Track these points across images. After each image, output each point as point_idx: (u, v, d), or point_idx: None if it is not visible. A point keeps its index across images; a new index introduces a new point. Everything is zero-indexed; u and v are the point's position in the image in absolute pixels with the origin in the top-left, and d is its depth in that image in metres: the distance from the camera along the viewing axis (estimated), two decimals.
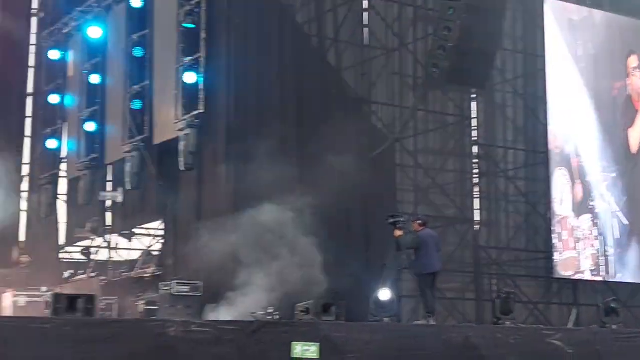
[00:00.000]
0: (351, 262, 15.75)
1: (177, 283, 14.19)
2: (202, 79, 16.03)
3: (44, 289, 15.31)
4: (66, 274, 19.11)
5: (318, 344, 10.14)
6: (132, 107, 17.81)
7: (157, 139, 17.43)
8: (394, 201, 19.11)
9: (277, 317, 12.67)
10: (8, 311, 14.89)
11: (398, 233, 12.53)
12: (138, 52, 17.85)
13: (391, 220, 12.58)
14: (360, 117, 18.68)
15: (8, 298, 15.44)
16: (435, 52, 17.52)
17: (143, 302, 14.66)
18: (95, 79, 19.47)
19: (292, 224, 13.85)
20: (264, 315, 12.45)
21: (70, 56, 20.85)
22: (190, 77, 16.13)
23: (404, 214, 14.18)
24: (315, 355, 10.11)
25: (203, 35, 16.11)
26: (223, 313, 13.27)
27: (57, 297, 11.27)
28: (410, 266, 13.86)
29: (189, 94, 16.18)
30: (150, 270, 17.06)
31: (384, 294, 12.75)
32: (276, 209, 13.75)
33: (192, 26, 16.24)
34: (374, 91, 20.20)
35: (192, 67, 16.16)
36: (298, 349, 10.09)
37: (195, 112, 15.96)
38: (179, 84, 16.34)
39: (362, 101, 19.24)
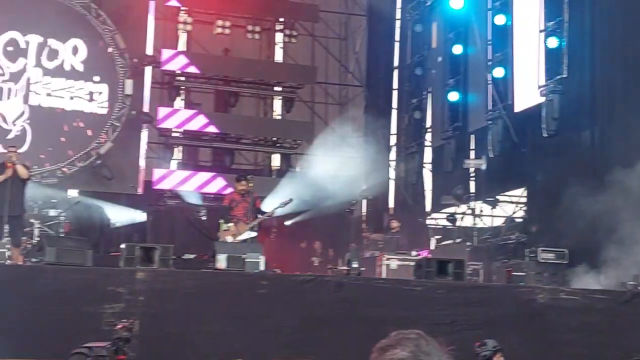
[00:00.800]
0: None
1: (543, 250, 14.13)
2: (565, 43, 15.73)
3: (413, 253, 16.00)
4: (433, 239, 19.81)
5: None
6: (494, 75, 17.98)
7: (519, 106, 17.43)
8: None
9: None
10: (381, 274, 15.79)
11: None
12: (499, 19, 17.95)
13: None
14: None
15: (381, 261, 16.35)
16: None
17: (510, 268, 14.79)
18: (457, 49, 19.88)
19: None
20: (635, 285, 12.02)
21: (433, 28, 21.46)
22: (552, 42, 15.90)
23: None
24: None
25: None
26: (590, 281, 13.02)
27: (428, 261, 11.86)
28: None
29: (552, 59, 15.95)
30: (514, 237, 17.15)
31: None
32: None
33: None
34: None
35: (554, 31, 15.90)
36: None
37: (558, 77, 15.72)
38: (540, 49, 16.17)
39: None
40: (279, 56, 23.31)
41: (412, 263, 14.05)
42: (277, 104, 23.09)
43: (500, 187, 18.90)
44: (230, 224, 13.88)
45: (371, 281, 12.52)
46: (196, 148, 22.17)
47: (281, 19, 22.99)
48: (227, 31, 21.91)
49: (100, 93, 19.60)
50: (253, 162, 23.28)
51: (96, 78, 19.61)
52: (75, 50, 19.47)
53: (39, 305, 10.61)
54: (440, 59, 20.81)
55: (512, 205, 18.87)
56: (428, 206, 21.51)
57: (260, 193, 15.09)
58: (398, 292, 11.64)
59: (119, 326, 8.44)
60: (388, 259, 15.45)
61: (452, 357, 2.51)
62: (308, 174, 21.75)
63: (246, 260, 11.95)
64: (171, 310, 11.04)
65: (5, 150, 13.75)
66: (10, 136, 18.61)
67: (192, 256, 16.55)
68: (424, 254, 16.08)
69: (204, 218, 19.33)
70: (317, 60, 23.71)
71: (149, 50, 20.42)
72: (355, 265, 12.29)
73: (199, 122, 21.03)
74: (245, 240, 13.62)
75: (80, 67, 19.52)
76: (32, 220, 14.35)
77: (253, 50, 23.14)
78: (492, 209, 19.10)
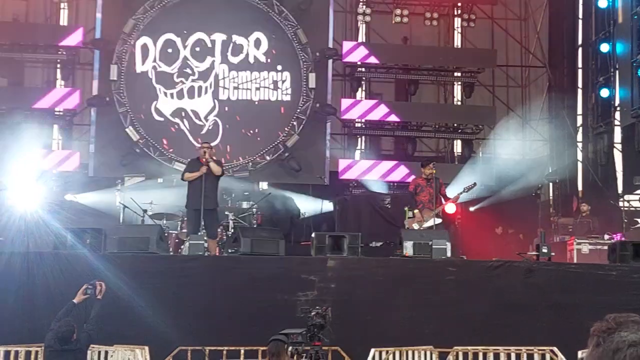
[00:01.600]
0: None
1: None
2: None
3: (606, 236, 15.48)
4: (627, 222, 19.07)
5: None
6: None
7: None
8: None
9: None
10: (572, 259, 15.39)
11: None
12: None
13: None
14: None
15: (571, 245, 15.93)
16: None
17: None
18: None
19: None
20: None
21: (619, 2, 20.57)
22: None
23: None
24: None
25: None
26: None
27: (622, 244, 11.45)
28: None
29: None
30: None
31: None
32: None
33: None
34: None
35: None
36: None
37: None
38: None
39: None
40: (457, 41, 23.13)
41: (605, 247, 13.64)
42: (457, 90, 22.93)
43: None
44: (416, 211, 13.96)
45: (563, 266, 12.26)
46: (378, 137, 22.38)
47: (459, 4, 22.79)
48: (405, 19, 21.98)
49: (283, 81, 20.23)
50: (435, 149, 23.23)
51: (279, 67, 20.25)
52: (257, 43, 20.18)
53: (235, 294, 11.11)
54: (627, 34, 19.91)
55: None
56: (619, 188, 20.68)
57: (443, 180, 15.05)
58: (591, 277, 11.35)
59: (313, 313, 8.69)
60: (579, 243, 15.05)
61: None
62: (491, 159, 21.49)
63: (433, 246, 12.00)
64: (361, 297, 11.28)
65: (199, 146, 14.42)
66: (204, 132, 19.55)
67: (379, 244, 16.77)
68: (618, 237, 15.52)
69: (388, 206, 19.51)
70: (496, 43, 23.31)
71: (330, 43, 20.80)
72: (544, 250, 12.04)
73: (380, 112, 21.22)
74: (431, 227, 13.67)
75: (262, 59, 20.21)
76: (226, 213, 14.99)
77: (431, 37, 23.07)
78: None
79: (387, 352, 10.22)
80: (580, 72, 22.45)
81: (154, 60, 19.84)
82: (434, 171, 14.20)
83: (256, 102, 20.15)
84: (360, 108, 21.32)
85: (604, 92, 20.80)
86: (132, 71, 19.73)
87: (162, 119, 19.70)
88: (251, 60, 20.17)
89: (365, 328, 10.96)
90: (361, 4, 22.03)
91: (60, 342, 8.41)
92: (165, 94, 19.78)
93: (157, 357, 10.16)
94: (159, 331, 10.38)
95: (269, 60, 20.22)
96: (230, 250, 13.19)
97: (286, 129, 19.98)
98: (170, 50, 19.90)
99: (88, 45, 20.33)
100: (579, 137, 22.16)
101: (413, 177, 14.65)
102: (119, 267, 10.76)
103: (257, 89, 20.13)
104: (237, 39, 20.13)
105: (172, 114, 19.74)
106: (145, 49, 19.83)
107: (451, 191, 15.06)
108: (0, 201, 14.46)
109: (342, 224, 17.23)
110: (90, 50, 20.61)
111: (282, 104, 20.21)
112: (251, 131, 19.95)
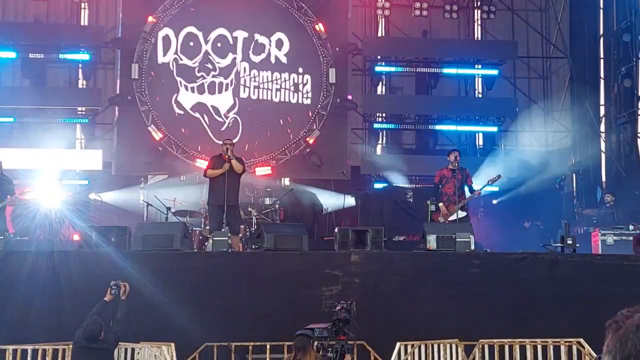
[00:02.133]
0: None
1: None
2: None
3: (631, 227, 15.37)
4: None
5: None
6: None
7: None
8: None
9: None
10: (597, 250, 15.29)
11: None
12: None
13: None
14: None
15: (596, 236, 15.82)
16: None
17: None
18: None
19: None
20: None
21: None
22: None
23: None
24: None
25: None
26: None
27: None
28: None
29: None
30: None
31: None
32: None
33: None
34: None
35: None
36: None
37: None
38: None
39: None
40: (477, 33, 23.02)
41: (630, 238, 13.56)
42: (478, 82, 22.82)
43: None
44: (440, 204, 13.90)
45: (587, 258, 12.20)
46: (399, 131, 22.35)
47: None
48: (424, 13, 21.91)
49: (304, 84, 20.17)
50: (456, 143, 23.14)
51: (300, 69, 20.20)
52: (279, 44, 20.14)
53: (260, 289, 11.14)
54: None
55: None
56: None
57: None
58: (617, 268, 11.29)
59: (338, 307, 8.68)
60: (604, 235, 14.96)
61: None
62: (513, 151, 21.39)
63: (456, 239, 11.97)
64: (386, 291, 11.27)
65: (220, 142, 14.45)
66: (223, 129, 19.56)
67: (402, 238, 16.75)
68: None
69: (410, 200, 19.48)
70: (517, 34, 23.17)
71: (350, 38, 20.77)
72: (569, 241, 11.98)
73: (401, 106, 21.18)
74: (455, 220, 13.61)
75: (284, 60, 20.17)
76: (249, 209, 15.03)
77: (452, 30, 22.98)
78: None
79: (412, 345, 10.21)
80: (602, 62, 22.27)
81: (176, 52, 19.81)
82: (457, 159, 14.07)
83: (276, 103, 20.08)
84: (381, 102, 21.29)
85: (627, 82, 20.62)
86: (153, 62, 19.71)
87: (182, 112, 19.69)
88: (272, 60, 20.11)
89: (390, 322, 10.96)
90: None
91: (88, 339, 8.48)
92: (186, 87, 19.77)
93: (183, 354, 10.21)
94: (184, 328, 10.43)
95: (290, 62, 20.13)
96: (253, 246, 13.22)
97: (307, 125, 19.97)
98: (191, 44, 19.85)
99: (109, 44, 20.42)
100: (602, 127, 22.00)
101: (437, 170, 14.55)
102: (143, 265, 10.82)
103: (278, 90, 20.08)
104: (259, 38, 20.07)
105: (192, 108, 19.73)
106: (167, 40, 19.78)
107: (475, 184, 14.99)
108: (25, 202, 14.59)
109: (365, 218, 17.23)
110: (111, 50, 20.71)
111: (302, 107, 20.11)
112: (270, 131, 19.88)
